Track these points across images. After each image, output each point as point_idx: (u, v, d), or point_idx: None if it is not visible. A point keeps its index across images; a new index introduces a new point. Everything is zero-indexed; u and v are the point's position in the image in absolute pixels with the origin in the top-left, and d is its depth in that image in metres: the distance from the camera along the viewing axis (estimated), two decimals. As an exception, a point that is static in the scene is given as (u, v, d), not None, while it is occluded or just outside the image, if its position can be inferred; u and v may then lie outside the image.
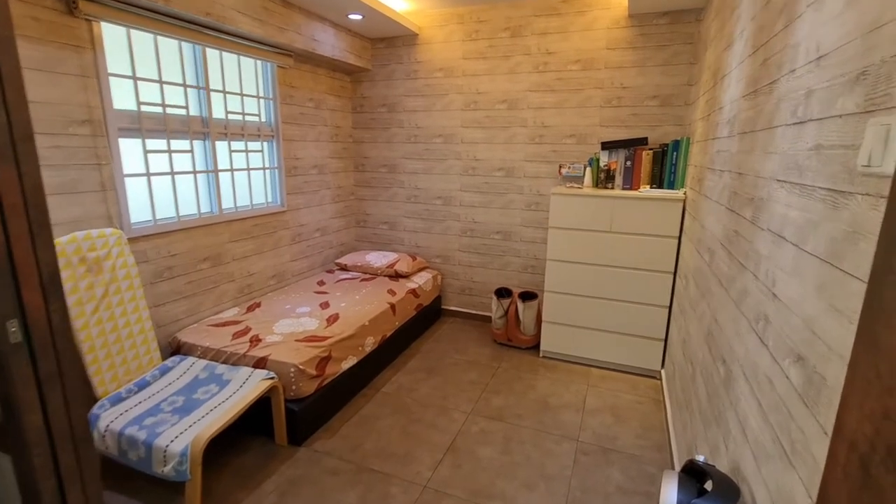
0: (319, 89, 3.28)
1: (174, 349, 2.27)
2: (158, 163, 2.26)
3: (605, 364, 2.85)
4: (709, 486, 1.09)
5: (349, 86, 3.62)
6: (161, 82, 2.21)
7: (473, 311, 3.61)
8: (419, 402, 2.48)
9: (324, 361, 2.20)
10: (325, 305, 2.72)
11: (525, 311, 3.03)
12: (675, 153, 2.57)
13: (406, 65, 3.40)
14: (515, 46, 3.06)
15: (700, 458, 1.12)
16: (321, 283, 3.18)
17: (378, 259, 3.43)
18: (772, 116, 1.13)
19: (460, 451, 2.09)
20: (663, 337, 2.65)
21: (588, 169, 2.83)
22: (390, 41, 3.42)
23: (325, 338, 2.29)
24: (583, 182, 2.90)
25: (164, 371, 2.02)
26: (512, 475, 1.94)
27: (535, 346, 3.11)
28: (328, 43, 2.97)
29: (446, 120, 3.37)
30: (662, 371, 2.68)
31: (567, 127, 3.04)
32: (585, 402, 2.49)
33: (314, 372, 2.13)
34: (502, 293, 3.20)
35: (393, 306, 2.87)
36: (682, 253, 2.44)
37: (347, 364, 2.39)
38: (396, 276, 3.33)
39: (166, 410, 1.78)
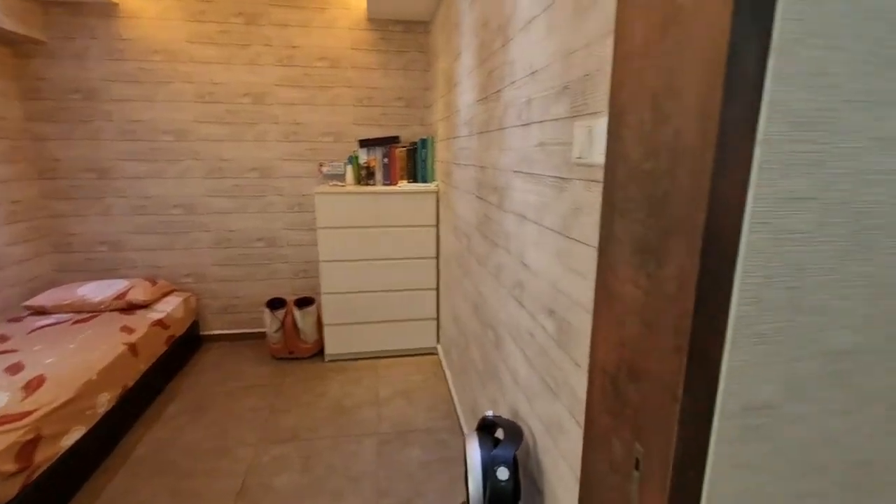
0: (-47, 61, 2.26)
1: None
2: None
3: (390, 353, 2.98)
4: (500, 433, 1.28)
5: (12, 62, 2.62)
6: None
7: (243, 330, 3.21)
8: (190, 452, 2.06)
9: (29, 447, 1.57)
10: (16, 368, 1.93)
11: (303, 319, 2.88)
12: (423, 150, 2.86)
13: (104, 41, 2.68)
14: (253, 35, 2.80)
15: (489, 414, 1.30)
16: (4, 338, 2.24)
17: (99, 291, 2.65)
18: (502, 119, 1.37)
19: (253, 490, 1.84)
20: (435, 316, 2.95)
21: (349, 167, 2.86)
22: (73, 7, 2.62)
23: (25, 414, 1.64)
24: (345, 180, 2.91)
25: None
26: (318, 492, 1.83)
27: (320, 352, 2.99)
28: (-39, -5, 2.06)
29: (175, 113, 2.83)
30: (439, 346, 3.00)
31: (322, 125, 2.98)
32: (378, 395, 2.55)
33: (13, 467, 1.49)
34: (275, 304, 2.95)
35: (132, 346, 2.28)
36: (441, 239, 2.75)
37: (71, 439, 1.77)
38: (131, 307, 2.65)
39: None
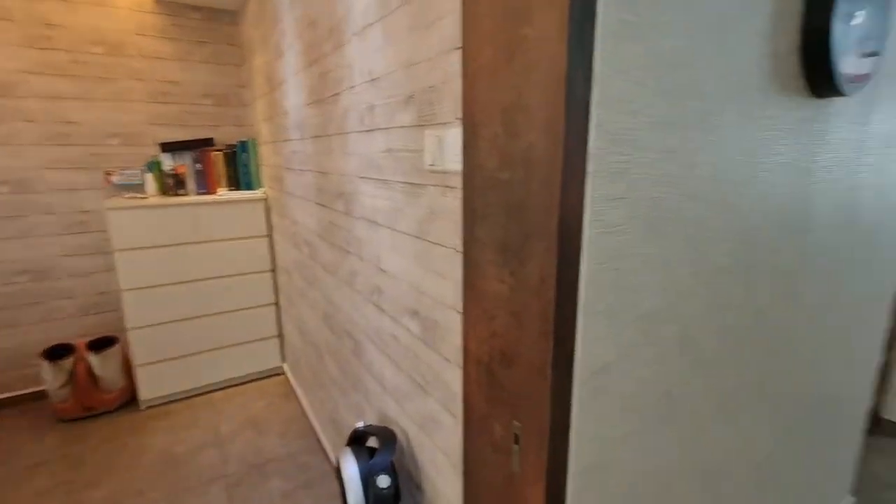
0: None
1: None
2: None
3: (227, 383, 2.64)
4: (372, 442, 1.27)
5: None
6: None
7: (7, 395, 2.43)
8: (-60, 579, 1.48)
9: None
10: None
11: (103, 364, 2.33)
12: (244, 154, 2.59)
13: None
14: (-19, 4, 2.11)
15: (360, 425, 1.27)
16: None
17: None
18: (342, 123, 1.34)
19: None
20: (277, 333, 2.73)
21: (150, 175, 2.41)
22: None
23: None
24: (146, 190, 2.45)
25: None
26: (157, 568, 1.53)
27: (132, 400, 2.47)
28: None
29: None
30: (285, 365, 2.78)
31: (106, 124, 2.43)
32: (220, 432, 2.24)
33: None
34: (57, 352, 2.32)
35: None
36: (277, 249, 2.55)
37: None
38: None
39: None
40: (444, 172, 0.86)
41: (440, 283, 0.94)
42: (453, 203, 0.85)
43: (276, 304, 2.70)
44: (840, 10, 0.83)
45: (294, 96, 1.77)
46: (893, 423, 2.14)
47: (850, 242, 1.16)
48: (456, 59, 0.78)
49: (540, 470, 0.67)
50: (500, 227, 0.67)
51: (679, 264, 0.75)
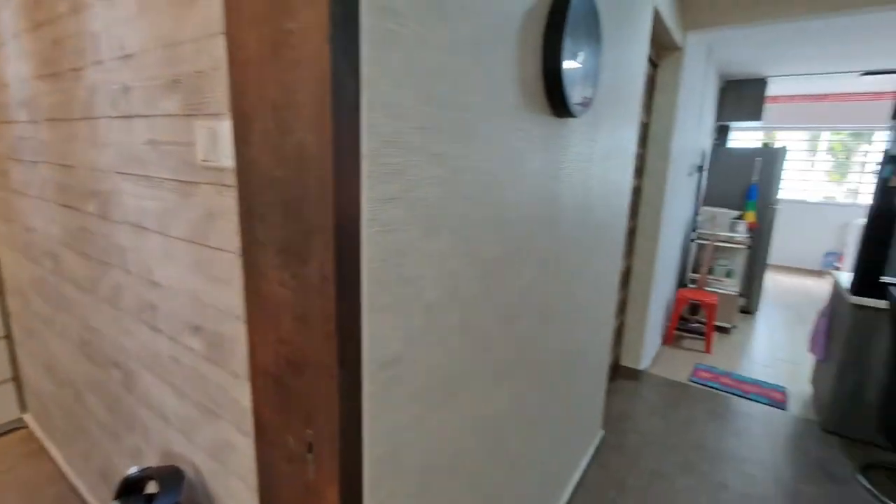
0: None
1: None
2: None
3: (-80, 456, 1.88)
4: (153, 486, 1.07)
5: None
6: None
7: None
8: None
9: None
10: None
11: None
12: (-61, 137, 1.88)
13: None
14: None
15: (132, 471, 1.06)
16: None
17: None
18: (89, 106, 1.08)
19: None
20: (12, 376, 2.07)
21: None
22: None
23: None
24: None
25: None
26: None
27: None
28: None
29: None
30: (27, 415, 2.13)
31: None
32: None
33: None
34: None
35: None
36: (3, 266, 1.93)
37: None
38: None
39: None
40: (220, 169, 0.78)
41: (224, 291, 0.85)
42: (231, 203, 0.77)
43: (8, 337, 2.05)
44: (566, 49, 1.04)
45: (18, 65, 1.36)
46: (628, 368, 2.84)
47: (587, 233, 1.48)
48: (223, 44, 0.71)
49: (334, 472, 0.66)
50: (279, 227, 0.63)
51: (456, 257, 0.83)
